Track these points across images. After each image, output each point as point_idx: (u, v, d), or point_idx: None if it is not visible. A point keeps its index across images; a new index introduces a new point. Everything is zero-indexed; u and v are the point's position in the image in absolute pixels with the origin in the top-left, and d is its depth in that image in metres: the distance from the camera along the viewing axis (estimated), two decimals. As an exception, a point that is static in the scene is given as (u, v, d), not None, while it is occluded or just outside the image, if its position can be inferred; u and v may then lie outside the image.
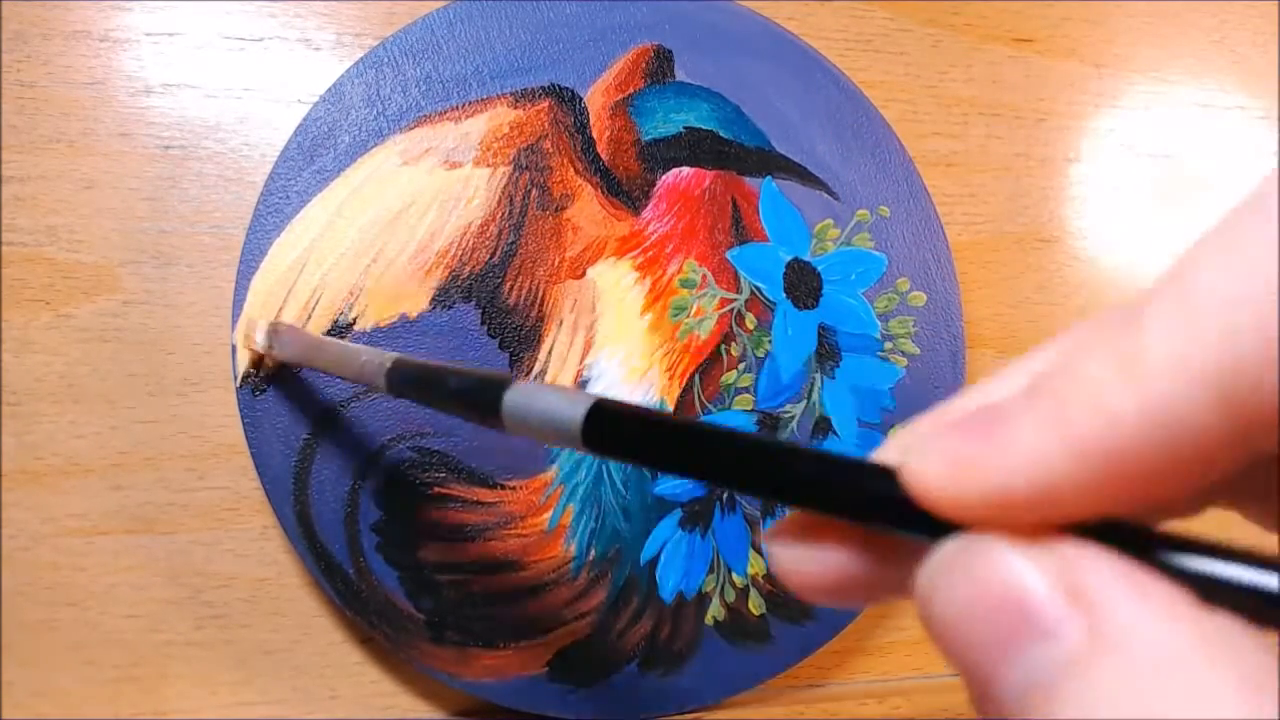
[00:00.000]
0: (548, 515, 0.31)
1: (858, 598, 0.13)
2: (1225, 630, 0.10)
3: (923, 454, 0.11)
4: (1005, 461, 0.10)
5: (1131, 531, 0.11)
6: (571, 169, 0.32)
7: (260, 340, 0.28)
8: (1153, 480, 0.10)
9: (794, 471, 0.12)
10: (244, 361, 0.29)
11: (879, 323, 0.34)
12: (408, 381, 0.21)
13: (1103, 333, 0.10)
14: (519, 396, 0.17)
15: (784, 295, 0.33)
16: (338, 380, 0.30)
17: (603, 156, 0.32)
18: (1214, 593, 0.10)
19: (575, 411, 0.15)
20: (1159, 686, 0.10)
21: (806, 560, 0.13)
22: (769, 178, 0.34)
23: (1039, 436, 0.10)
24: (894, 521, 0.12)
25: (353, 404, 0.30)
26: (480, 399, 0.17)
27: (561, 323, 0.32)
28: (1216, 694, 0.09)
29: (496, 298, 0.31)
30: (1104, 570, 0.10)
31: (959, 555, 0.11)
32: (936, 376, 0.34)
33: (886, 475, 0.12)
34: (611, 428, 0.15)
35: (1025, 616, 0.10)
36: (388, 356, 0.22)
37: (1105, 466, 0.10)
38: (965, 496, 0.11)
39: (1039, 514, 0.11)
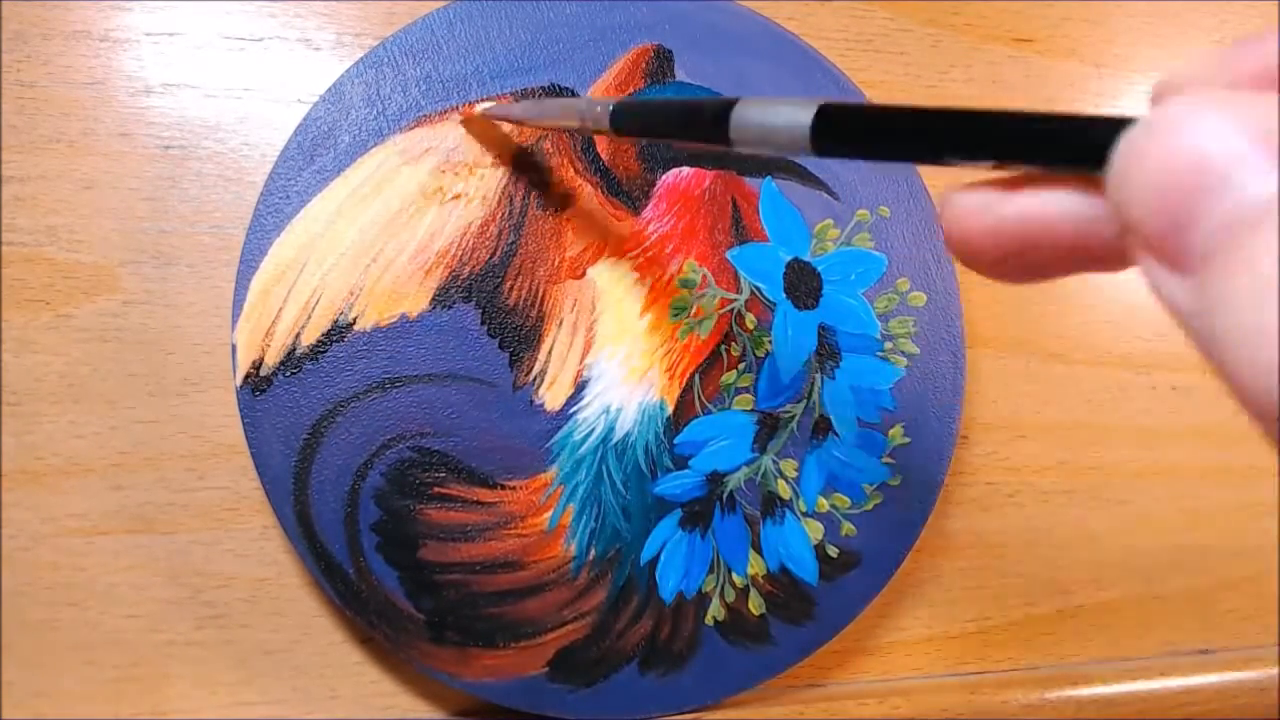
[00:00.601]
0: (548, 515, 0.31)
1: (1040, 264, 0.14)
2: None
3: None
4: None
5: None
6: (571, 169, 0.32)
7: (482, 107, 0.30)
8: None
9: (1015, 129, 0.13)
10: (245, 361, 0.29)
11: (879, 323, 0.34)
12: (633, 117, 0.22)
13: None
14: (747, 110, 0.17)
15: (784, 295, 0.33)
16: (338, 380, 0.30)
17: (603, 156, 0.32)
18: None
19: (803, 116, 0.16)
20: None
21: (994, 206, 0.14)
22: (769, 178, 0.34)
23: None
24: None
25: (353, 404, 0.30)
26: (708, 116, 0.18)
27: (561, 323, 0.32)
28: None
29: (496, 298, 0.31)
30: None
31: (1158, 117, 0.11)
32: (936, 376, 0.34)
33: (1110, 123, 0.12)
34: (839, 125, 0.16)
35: (1227, 164, 0.11)
36: (609, 100, 0.23)
37: None
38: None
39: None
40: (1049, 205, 0.14)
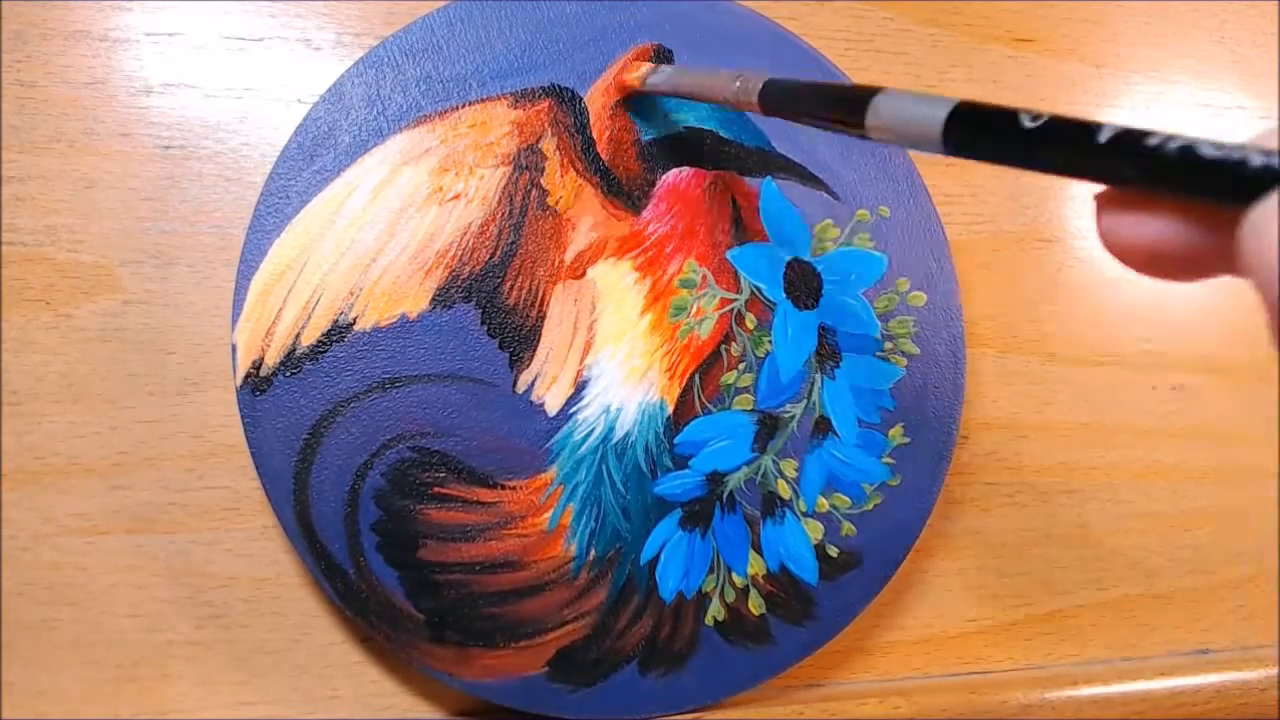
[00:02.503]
0: (548, 515, 0.31)
1: (1175, 270, 0.15)
2: None
3: None
4: None
5: None
6: (571, 169, 0.32)
7: (641, 73, 0.31)
8: None
9: (1146, 155, 0.14)
10: (245, 361, 0.29)
11: (879, 323, 0.34)
12: (780, 96, 0.24)
13: None
14: (887, 100, 0.18)
15: (784, 295, 0.33)
16: (338, 380, 0.30)
17: (603, 156, 0.32)
18: None
19: (938, 113, 0.17)
20: None
21: (1134, 227, 0.15)
22: (769, 178, 0.34)
23: None
24: (1230, 191, 0.13)
25: (353, 404, 0.30)
26: (851, 102, 0.19)
27: (561, 323, 0.32)
28: None
29: (496, 298, 0.31)
30: None
31: None
32: (936, 376, 0.34)
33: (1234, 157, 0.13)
34: (972, 127, 0.16)
35: None
36: (756, 77, 0.24)
37: None
38: None
39: None
40: (1183, 233, 0.14)
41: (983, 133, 0.16)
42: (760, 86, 0.24)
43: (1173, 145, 0.13)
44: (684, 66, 0.31)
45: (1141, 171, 0.14)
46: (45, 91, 0.31)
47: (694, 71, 0.30)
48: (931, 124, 0.17)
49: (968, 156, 0.17)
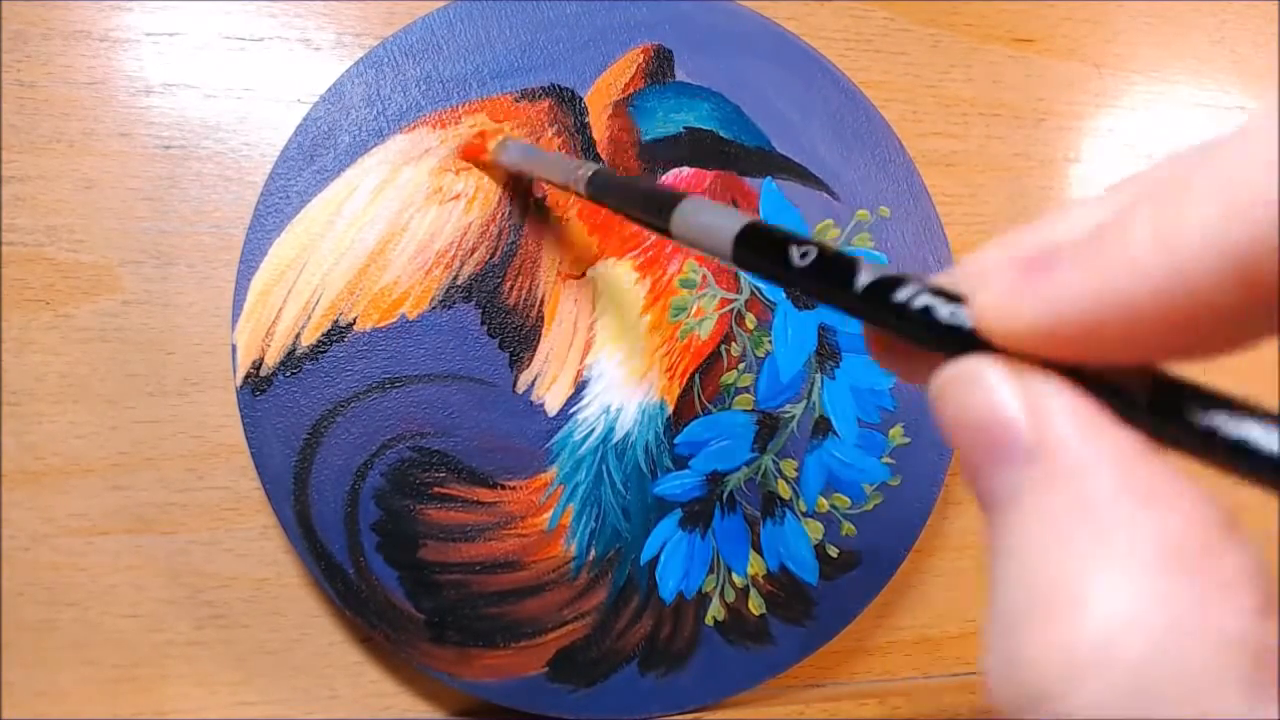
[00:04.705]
0: (548, 515, 0.31)
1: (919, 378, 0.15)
2: (1164, 478, 0.11)
3: (987, 286, 0.12)
4: (1049, 296, 0.12)
5: (1117, 376, 0.12)
6: (571, 169, 0.32)
7: (492, 148, 0.31)
8: (1167, 331, 0.11)
9: (892, 307, 0.14)
10: (245, 361, 0.29)
11: (879, 323, 0.34)
12: (605, 188, 0.24)
13: (1154, 199, 0.11)
14: (689, 208, 0.19)
15: (784, 295, 0.33)
16: (338, 380, 0.30)
17: (603, 156, 0.32)
18: (1203, 444, 0.12)
19: (728, 230, 0.17)
20: (1083, 529, 0.11)
21: (890, 360, 0.16)
22: (769, 178, 0.34)
23: (1079, 279, 0.11)
24: (940, 344, 0.13)
25: (353, 404, 0.30)
26: (659, 205, 0.20)
27: (561, 323, 0.32)
28: (1134, 543, 0.11)
29: (496, 297, 0.31)
30: (1067, 407, 0.12)
31: (960, 370, 0.13)
32: (936, 376, 0.34)
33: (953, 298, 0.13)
34: (753, 249, 0.17)
35: (999, 436, 0.12)
36: (589, 166, 0.25)
37: (1127, 314, 0.11)
38: (1015, 327, 0.12)
39: (1069, 350, 0.12)
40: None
41: (761, 257, 0.17)
42: (589, 176, 0.25)
43: (917, 302, 0.14)
44: (530, 146, 0.31)
45: (889, 320, 0.14)
46: (45, 91, 0.31)
47: (539, 155, 0.30)
48: (723, 239, 0.17)
49: (751, 272, 0.18)
